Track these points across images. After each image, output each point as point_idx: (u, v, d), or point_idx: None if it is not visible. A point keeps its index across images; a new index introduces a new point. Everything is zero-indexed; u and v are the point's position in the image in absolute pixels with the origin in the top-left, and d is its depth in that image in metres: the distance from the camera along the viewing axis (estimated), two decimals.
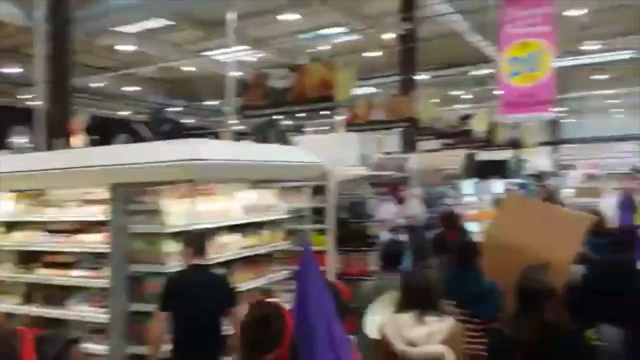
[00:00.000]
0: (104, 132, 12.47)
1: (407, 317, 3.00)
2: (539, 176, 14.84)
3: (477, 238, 5.73)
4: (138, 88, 21.40)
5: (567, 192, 13.54)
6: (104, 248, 4.72)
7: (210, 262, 4.58)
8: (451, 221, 6.21)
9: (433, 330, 2.93)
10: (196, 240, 4.19)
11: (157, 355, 3.90)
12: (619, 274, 4.21)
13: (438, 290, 3.14)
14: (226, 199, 5.39)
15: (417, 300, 3.06)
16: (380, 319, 3.25)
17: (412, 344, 2.90)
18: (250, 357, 2.23)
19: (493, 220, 5.14)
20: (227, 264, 5.03)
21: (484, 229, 5.18)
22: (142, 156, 4.49)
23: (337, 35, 15.96)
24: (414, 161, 8.91)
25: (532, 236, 4.43)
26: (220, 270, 4.90)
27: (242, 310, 4.04)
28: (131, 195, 4.75)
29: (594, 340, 3.85)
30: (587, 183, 15.32)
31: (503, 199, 6.57)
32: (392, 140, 14.80)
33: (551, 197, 8.69)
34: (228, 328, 4.16)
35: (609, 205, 10.08)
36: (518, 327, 3.10)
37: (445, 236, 5.83)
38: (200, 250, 4.11)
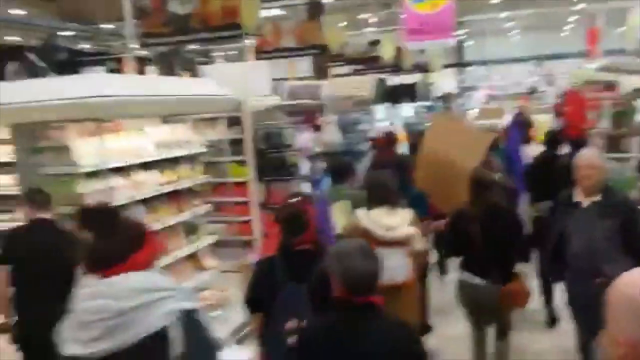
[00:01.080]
0: None
1: (380, 211, 3.99)
2: (445, 98, 15.36)
3: None
4: (24, 12, 19.53)
5: (471, 113, 14.16)
6: (15, 190, 4.48)
7: (121, 203, 4.41)
8: (390, 142, 6.98)
9: (403, 218, 3.97)
10: (39, 194, 4.01)
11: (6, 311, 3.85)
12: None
13: (395, 188, 4.15)
14: (137, 135, 5.19)
15: (381, 197, 4.05)
16: (343, 219, 4.29)
17: (390, 229, 3.90)
18: (289, 238, 3.11)
19: (425, 136, 6.14)
20: (146, 201, 4.92)
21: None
22: (44, 94, 4.19)
23: None
24: (327, 88, 8.91)
25: (450, 147, 5.41)
26: (140, 209, 4.80)
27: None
28: (37, 135, 4.49)
29: (535, 213, 5.42)
30: (489, 104, 16.10)
31: (433, 117, 7.90)
32: (303, 64, 14.66)
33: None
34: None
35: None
36: (474, 205, 4.17)
37: (383, 154, 6.71)
38: (44, 205, 3.95)
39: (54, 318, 3.68)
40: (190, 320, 1.81)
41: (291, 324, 2.86)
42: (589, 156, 3.79)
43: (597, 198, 3.69)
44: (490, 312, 4.22)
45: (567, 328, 4.48)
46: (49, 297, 3.68)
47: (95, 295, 1.79)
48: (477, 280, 4.11)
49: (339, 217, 4.32)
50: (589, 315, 3.65)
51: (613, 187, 3.91)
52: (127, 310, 1.73)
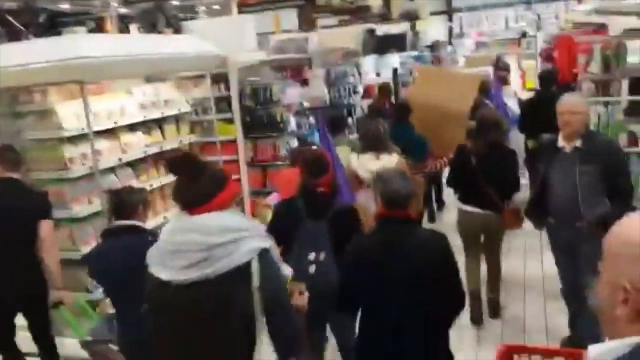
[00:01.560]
0: None
1: (367, 156, 4.51)
2: (434, 47, 15.12)
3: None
4: None
5: (460, 61, 13.99)
6: None
7: (108, 166, 4.38)
8: (386, 91, 7.65)
9: (386, 163, 4.28)
10: (10, 153, 3.92)
11: None
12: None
13: (386, 137, 4.59)
14: (121, 96, 5.13)
15: (372, 144, 4.52)
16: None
17: (372, 172, 4.00)
18: (311, 179, 3.38)
19: (411, 88, 6.62)
20: (133, 164, 4.91)
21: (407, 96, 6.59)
22: (23, 57, 4.11)
23: None
24: (314, 41, 8.74)
25: (439, 95, 5.87)
26: (127, 171, 4.79)
27: (47, 226, 3.77)
28: (18, 100, 4.44)
29: (536, 145, 5.68)
30: (478, 51, 15.89)
31: (416, 70, 8.43)
32: (289, 17, 14.38)
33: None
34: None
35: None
36: (475, 143, 4.57)
37: (380, 103, 7.21)
38: (14, 165, 3.87)
39: (17, 275, 3.75)
40: (266, 258, 2.02)
41: (311, 255, 3.27)
42: (571, 102, 3.76)
43: (578, 144, 3.71)
44: (487, 235, 4.69)
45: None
46: (12, 255, 3.70)
47: (187, 229, 1.99)
48: (477, 209, 4.55)
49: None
50: (572, 259, 3.74)
51: (595, 132, 3.91)
52: (215, 245, 1.93)
